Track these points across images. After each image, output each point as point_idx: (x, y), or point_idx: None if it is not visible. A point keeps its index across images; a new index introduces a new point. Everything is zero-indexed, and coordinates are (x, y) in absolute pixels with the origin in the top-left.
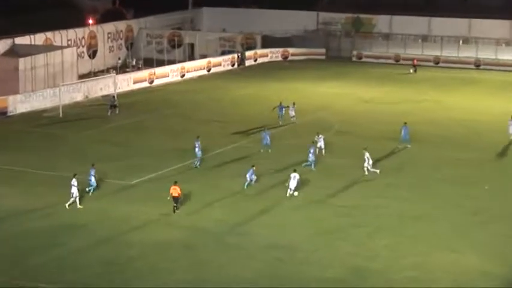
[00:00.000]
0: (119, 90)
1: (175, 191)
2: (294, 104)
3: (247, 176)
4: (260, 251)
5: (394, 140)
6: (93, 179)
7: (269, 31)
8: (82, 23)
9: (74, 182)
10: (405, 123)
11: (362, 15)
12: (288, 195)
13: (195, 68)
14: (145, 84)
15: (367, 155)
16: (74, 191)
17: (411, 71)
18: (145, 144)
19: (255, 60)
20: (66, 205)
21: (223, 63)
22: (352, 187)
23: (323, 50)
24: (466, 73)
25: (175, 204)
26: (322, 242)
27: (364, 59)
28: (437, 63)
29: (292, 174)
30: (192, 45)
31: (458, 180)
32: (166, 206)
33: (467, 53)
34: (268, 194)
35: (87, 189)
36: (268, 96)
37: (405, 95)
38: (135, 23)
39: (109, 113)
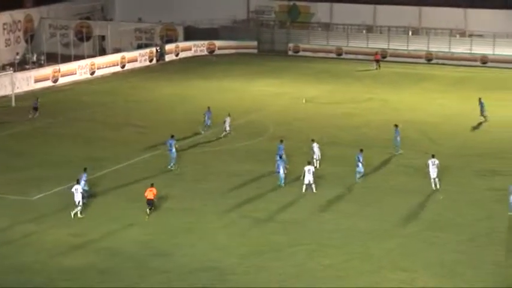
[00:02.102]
0: (17, 91)
1: (150, 193)
2: (229, 115)
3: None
4: (186, 275)
5: (337, 145)
6: None
7: (193, 21)
8: None
9: (79, 187)
10: (396, 125)
11: (299, 3)
12: (304, 191)
13: (106, 64)
14: (49, 83)
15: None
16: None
17: (374, 67)
18: (49, 153)
19: (177, 55)
20: (72, 213)
21: (140, 58)
22: (296, 201)
23: (255, 43)
24: (416, 68)
25: (150, 208)
26: (255, 263)
27: (301, 53)
28: (384, 57)
29: (307, 168)
30: (103, 38)
31: (410, 190)
32: (77, 224)
33: (418, 45)
34: (195, 209)
35: None
36: (194, 96)
37: (349, 94)
38: (35, 12)
39: (30, 116)
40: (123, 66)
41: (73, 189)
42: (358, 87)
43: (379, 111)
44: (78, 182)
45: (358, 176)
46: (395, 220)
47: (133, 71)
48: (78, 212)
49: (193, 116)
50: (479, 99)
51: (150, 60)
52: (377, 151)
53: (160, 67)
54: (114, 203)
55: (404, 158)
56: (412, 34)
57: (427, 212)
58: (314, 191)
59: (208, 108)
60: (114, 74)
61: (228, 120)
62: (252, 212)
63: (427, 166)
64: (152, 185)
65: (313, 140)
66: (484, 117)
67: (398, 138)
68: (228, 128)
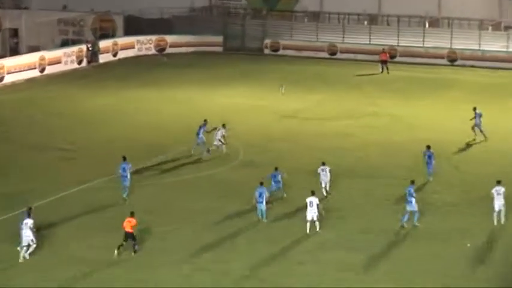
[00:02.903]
0: None
1: (128, 224)
2: (224, 125)
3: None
4: None
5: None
6: None
7: (136, 10)
8: None
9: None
10: (428, 146)
11: None
12: (308, 231)
13: (20, 67)
14: None
15: (220, 132)
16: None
17: (379, 70)
18: None
19: (115, 55)
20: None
21: (65, 59)
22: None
23: (219, 38)
24: (435, 72)
25: (124, 243)
26: None
27: (282, 52)
28: (393, 56)
29: (309, 199)
30: (15, 32)
31: (458, 229)
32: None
33: (438, 41)
34: (145, 264)
35: None
36: (138, 109)
37: (345, 106)
38: None
39: None
40: (42, 70)
41: (23, 225)
42: (357, 97)
43: (385, 129)
44: (29, 215)
45: (412, 218)
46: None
47: (56, 76)
48: (27, 254)
49: (137, 134)
50: (474, 108)
51: (79, 62)
52: (382, 183)
53: (93, 71)
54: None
55: (424, 192)
56: (430, 26)
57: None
58: (318, 229)
59: (205, 121)
60: (31, 80)
61: (220, 132)
62: (216, 263)
63: (492, 196)
64: (132, 215)
65: (323, 164)
66: (481, 132)
67: (433, 162)
68: (217, 142)
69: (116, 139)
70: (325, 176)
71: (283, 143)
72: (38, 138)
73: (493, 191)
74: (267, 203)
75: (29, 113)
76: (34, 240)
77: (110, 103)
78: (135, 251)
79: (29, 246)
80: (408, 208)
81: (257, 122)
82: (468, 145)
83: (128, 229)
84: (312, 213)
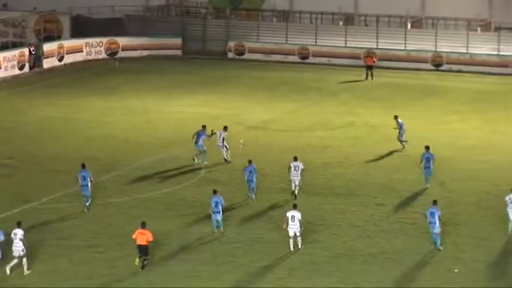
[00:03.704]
0: None
1: (141, 236)
2: (225, 128)
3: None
4: None
5: (300, 192)
6: None
7: (84, 8)
8: None
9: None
10: (427, 147)
11: None
12: (292, 248)
13: None
14: None
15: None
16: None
17: (363, 76)
18: None
19: (61, 59)
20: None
21: (5, 64)
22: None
23: (178, 41)
24: (418, 78)
25: (140, 256)
26: None
27: (247, 55)
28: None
29: (290, 214)
30: None
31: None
32: None
33: (421, 43)
34: None
35: None
36: (86, 121)
37: (318, 116)
38: None
39: None
40: None
41: (12, 235)
42: (333, 106)
43: (363, 141)
44: (19, 225)
45: (435, 242)
46: None
47: None
48: (25, 267)
49: (86, 149)
50: (396, 117)
51: (21, 67)
52: (363, 201)
53: (36, 77)
54: None
55: (402, 212)
56: (412, 27)
57: None
58: (300, 246)
59: (204, 127)
60: None
61: (222, 136)
62: None
63: (505, 205)
64: (144, 226)
65: (296, 159)
66: (401, 142)
67: (429, 165)
68: (220, 148)
69: (60, 154)
70: (295, 175)
71: (249, 157)
72: None
73: (507, 198)
74: (223, 212)
75: None
76: (25, 250)
77: (54, 114)
78: (143, 267)
79: (19, 257)
80: (433, 230)
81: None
82: (452, 159)
83: (142, 242)
84: (294, 228)
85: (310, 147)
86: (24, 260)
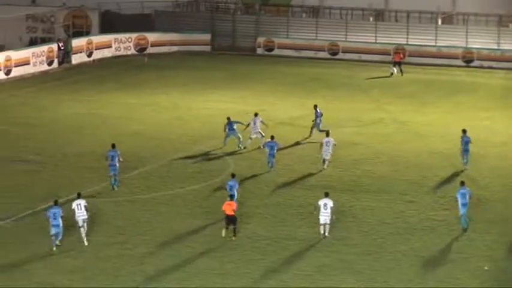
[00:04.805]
0: None
1: (229, 207)
2: (256, 115)
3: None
4: None
5: (330, 189)
6: None
7: (113, 4)
8: None
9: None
10: (464, 131)
11: None
12: (322, 234)
13: None
14: None
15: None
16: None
17: (394, 71)
18: None
19: (90, 55)
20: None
21: (34, 60)
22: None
23: (207, 37)
24: (449, 74)
25: (229, 226)
26: None
27: (276, 51)
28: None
29: (322, 201)
30: None
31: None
32: None
33: (452, 39)
34: None
35: None
36: (115, 118)
37: (348, 112)
38: None
39: None
40: (8, 72)
41: (75, 206)
42: (363, 102)
43: (393, 138)
44: (79, 196)
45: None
46: None
47: (23, 79)
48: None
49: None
50: (315, 107)
51: (50, 63)
52: (393, 198)
53: (65, 73)
54: None
55: (432, 209)
56: (443, 23)
57: None
58: (327, 234)
59: (229, 119)
60: None
61: (257, 122)
62: None
63: None
64: (231, 198)
65: (328, 135)
66: (316, 129)
67: (467, 148)
68: (256, 135)
69: (89, 150)
70: (327, 151)
71: (279, 153)
72: (0, 150)
73: None
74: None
75: None
76: (87, 218)
77: (83, 110)
78: (235, 234)
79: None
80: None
81: (249, 130)
82: (483, 156)
83: (230, 212)
84: (325, 216)
85: (339, 143)
86: (84, 229)
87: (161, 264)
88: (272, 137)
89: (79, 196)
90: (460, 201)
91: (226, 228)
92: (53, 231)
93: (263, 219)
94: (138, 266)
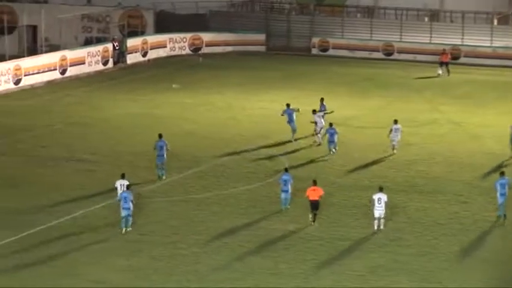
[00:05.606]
0: None
1: (313, 193)
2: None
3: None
4: None
5: (386, 190)
6: None
7: (168, 4)
8: None
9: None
10: None
11: None
12: (375, 228)
13: (38, 69)
14: None
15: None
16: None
17: (439, 72)
18: None
19: (145, 55)
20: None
21: (89, 59)
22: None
23: (262, 37)
24: (505, 74)
25: (312, 211)
26: None
27: (331, 52)
28: (457, 57)
29: (376, 196)
30: (34, 29)
31: None
32: None
33: (507, 40)
34: None
35: None
36: (169, 117)
37: (403, 113)
38: None
39: None
40: (63, 72)
41: (118, 186)
42: (417, 103)
43: (447, 139)
44: (123, 177)
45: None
46: None
47: (78, 79)
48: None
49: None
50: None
51: (105, 63)
52: (447, 199)
53: (120, 73)
54: None
55: (486, 210)
56: (499, 23)
57: None
58: (381, 227)
59: (288, 105)
60: (50, 83)
61: (321, 114)
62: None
63: None
64: (315, 183)
65: (396, 122)
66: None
67: None
68: (321, 125)
69: (143, 150)
70: (396, 136)
71: (330, 154)
72: (55, 150)
73: None
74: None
75: (47, 121)
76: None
77: (137, 109)
78: (314, 220)
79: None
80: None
81: (303, 130)
82: None
83: (314, 197)
84: (380, 210)
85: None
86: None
87: (214, 264)
88: (331, 124)
89: (123, 177)
90: (499, 191)
91: (315, 215)
92: (123, 213)
93: (317, 219)
94: (192, 265)
